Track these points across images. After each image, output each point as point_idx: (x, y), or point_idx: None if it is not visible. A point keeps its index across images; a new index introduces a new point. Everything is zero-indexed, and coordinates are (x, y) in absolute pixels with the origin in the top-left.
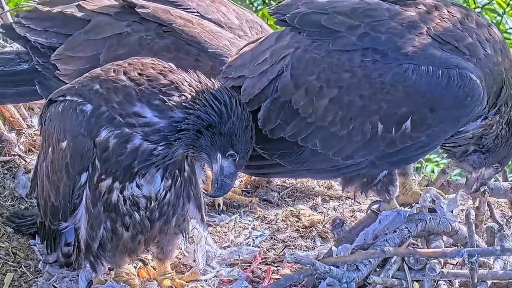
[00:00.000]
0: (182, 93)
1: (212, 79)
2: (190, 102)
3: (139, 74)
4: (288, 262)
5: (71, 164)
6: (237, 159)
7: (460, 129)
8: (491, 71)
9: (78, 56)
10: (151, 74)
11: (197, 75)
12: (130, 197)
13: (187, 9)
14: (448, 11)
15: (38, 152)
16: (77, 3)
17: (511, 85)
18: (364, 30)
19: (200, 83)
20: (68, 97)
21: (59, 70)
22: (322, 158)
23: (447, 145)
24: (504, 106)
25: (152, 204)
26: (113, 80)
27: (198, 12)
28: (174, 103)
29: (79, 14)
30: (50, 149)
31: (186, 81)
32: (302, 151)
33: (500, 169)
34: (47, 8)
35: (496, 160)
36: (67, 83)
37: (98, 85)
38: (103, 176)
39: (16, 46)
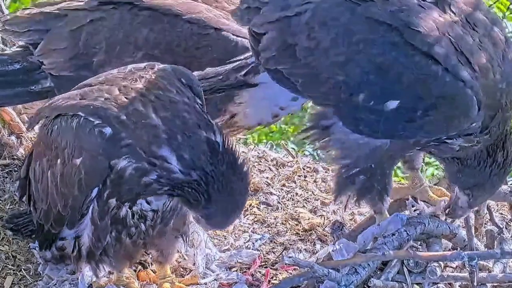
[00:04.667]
0: (203, 154)
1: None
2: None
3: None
4: (286, 265)
5: (85, 181)
6: None
7: (447, 140)
8: (493, 97)
9: (60, 48)
10: (185, 119)
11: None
12: (139, 211)
13: None
14: (474, 22)
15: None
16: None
17: (508, 109)
18: None
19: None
20: (81, 114)
21: (44, 65)
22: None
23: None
24: (496, 128)
25: (158, 215)
26: (141, 115)
27: None
28: (197, 164)
29: (58, 11)
30: (58, 160)
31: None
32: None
33: (471, 201)
34: (27, 11)
35: (467, 184)
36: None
37: (125, 116)
38: (113, 194)
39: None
